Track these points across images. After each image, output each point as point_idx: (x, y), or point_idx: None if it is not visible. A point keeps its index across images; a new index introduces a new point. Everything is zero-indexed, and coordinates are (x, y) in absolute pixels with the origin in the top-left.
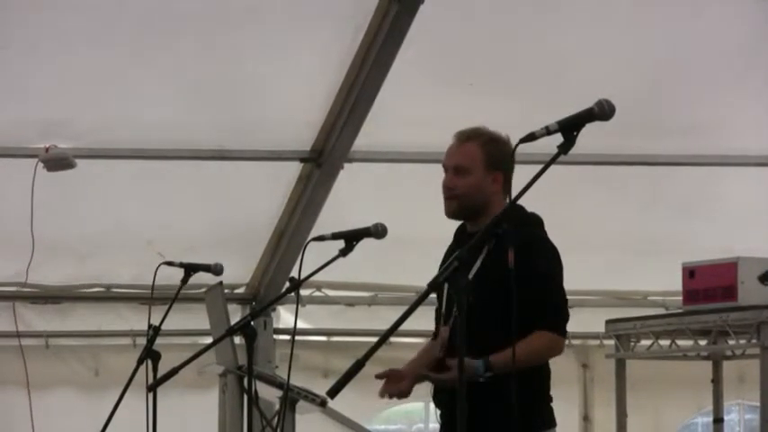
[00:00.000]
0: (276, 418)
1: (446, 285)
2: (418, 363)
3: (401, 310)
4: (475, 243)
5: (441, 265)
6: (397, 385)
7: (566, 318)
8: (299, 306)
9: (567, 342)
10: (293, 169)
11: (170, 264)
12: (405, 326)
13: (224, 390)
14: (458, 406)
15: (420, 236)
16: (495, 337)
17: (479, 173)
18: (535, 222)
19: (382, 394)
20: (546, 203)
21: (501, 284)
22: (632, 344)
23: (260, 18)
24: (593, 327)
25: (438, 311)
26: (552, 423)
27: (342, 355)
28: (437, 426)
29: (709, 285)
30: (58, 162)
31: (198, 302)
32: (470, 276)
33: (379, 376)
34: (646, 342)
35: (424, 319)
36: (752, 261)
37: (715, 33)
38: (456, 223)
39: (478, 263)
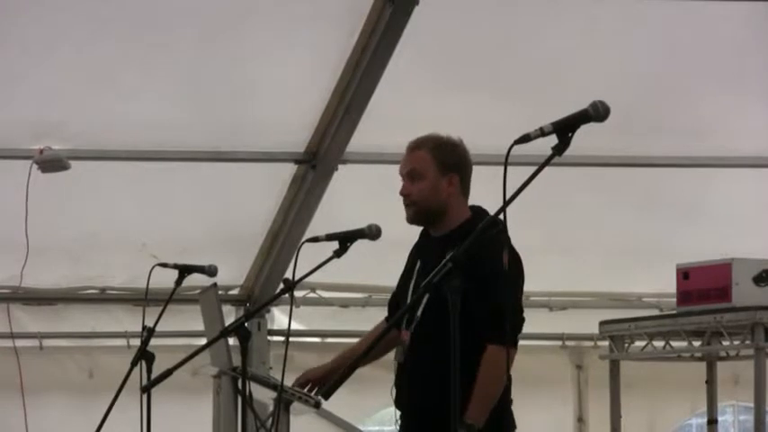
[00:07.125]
0: (270, 420)
1: (410, 287)
2: (341, 362)
3: None
4: (469, 245)
5: (403, 271)
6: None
7: (509, 327)
8: (294, 307)
9: (561, 343)
10: (288, 170)
11: (164, 265)
12: None
13: (218, 391)
14: (452, 414)
15: (414, 237)
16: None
17: (433, 176)
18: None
19: None
20: (541, 205)
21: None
22: (626, 345)
23: (254, 19)
24: (588, 328)
25: (392, 305)
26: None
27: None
28: None
29: (703, 286)
30: (52, 164)
31: (192, 304)
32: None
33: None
34: (640, 343)
35: None
36: (746, 262)
37: (712, 35)
38: None
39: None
